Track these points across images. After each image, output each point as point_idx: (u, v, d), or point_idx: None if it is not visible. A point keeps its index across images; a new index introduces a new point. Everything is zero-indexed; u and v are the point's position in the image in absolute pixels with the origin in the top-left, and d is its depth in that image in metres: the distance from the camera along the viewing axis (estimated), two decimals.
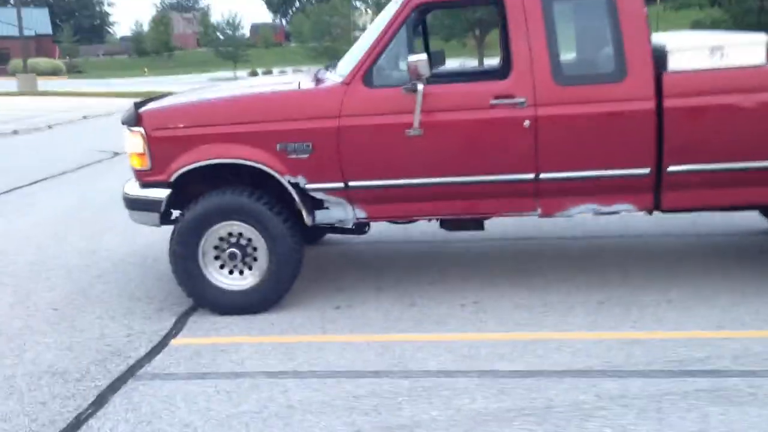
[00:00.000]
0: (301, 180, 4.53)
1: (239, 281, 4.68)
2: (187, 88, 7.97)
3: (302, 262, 4.76)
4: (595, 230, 6.09)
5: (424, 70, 4.26)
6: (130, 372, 3.92)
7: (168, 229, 4.81)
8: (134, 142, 4.67)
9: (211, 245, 4.65)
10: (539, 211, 4.56)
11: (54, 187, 9.50)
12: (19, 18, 36.79)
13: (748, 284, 4.71)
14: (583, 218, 5.77)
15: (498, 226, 5.88)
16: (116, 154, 11.74)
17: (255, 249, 4.62)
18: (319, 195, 4.59)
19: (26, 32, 39.41)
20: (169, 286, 4.98)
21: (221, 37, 54.04)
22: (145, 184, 4.73)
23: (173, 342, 4.31)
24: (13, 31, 38.96)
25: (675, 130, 4.30)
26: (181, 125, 4.62)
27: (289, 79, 5.81)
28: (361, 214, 4.64)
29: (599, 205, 4.52)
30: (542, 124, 4.35)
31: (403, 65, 4.44)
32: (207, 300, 4.70)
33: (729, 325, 4.14)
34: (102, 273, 5.68)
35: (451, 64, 6.26)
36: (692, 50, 4.37)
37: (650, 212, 4.62)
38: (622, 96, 4.33)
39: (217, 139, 4.59)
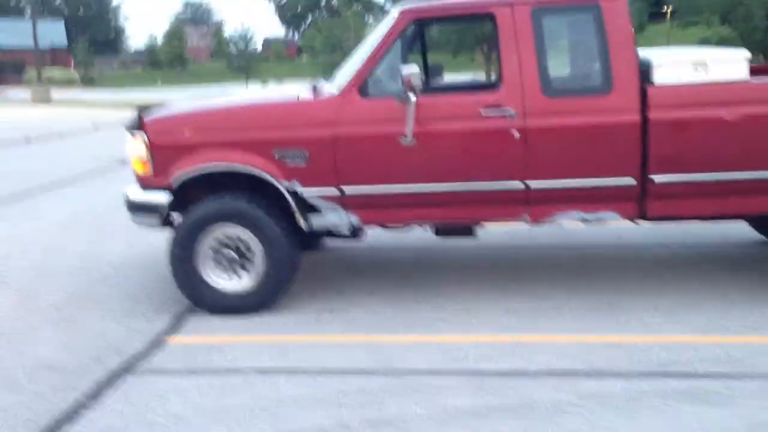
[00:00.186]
0: (297, 186, 4.67)
1: (236, 283, 4.81)
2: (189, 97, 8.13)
3: (299, 266, 4.90)
4: (589, 241, 6.18)
5: (417, 82, 4.41)
6: (127, 368, 4.05)
7: (169, 233, 4.95)
8: (137, 147, 4.83)
9: (210, 248, 4.78)
10: (528, 218, 4.68)
11: (60, 193, 9.69)
12: (35, 29, 37.36)
13: (736, 292, 4.80)
14: (576, 229, 5.86)
15: (493, 235, 5.99)
16: (124, 162, 11.93)
17: (252, 252, 4.76)
18: (314, 201, 4.72)
19: (42, 44, 39.96)
20: (169, 288, 5.11)
21: (234, 50, 54.59)
22: (146, 188, 4.89)
23: (170, 340, 4.44)
24: (30, 43, 39.50)
25: (659, 141, 4.41)
26: (183, 132, 4.78)
27: (289, 90, 5.97)
28: (356, 219, 4.76)
29: (586, 212, 4.63)
30: (531, 134, 4.49)
31: (397, 77, 4.58)
32: (204, 301, 4.83)
33: (712, 331, 4.22)
34: (104, 275, 5.82)
35: (462, 78, 6.44)
36: (676, 65, 4.51)
37: (636, 220, 4.73)
38: (607, 108, 4.46)
39: (217, 146, 4.74)
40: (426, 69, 5.89)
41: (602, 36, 4.49)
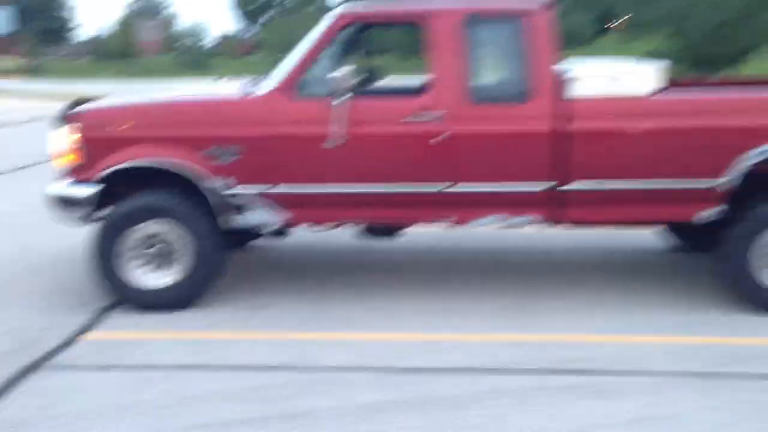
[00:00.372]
0: (223, 184, 4.75)
1: (161, 279, 4.86)
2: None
3: (224, 262, 4.98)
4: (505, 245, 6.37)
5: (347, 84, 4.54)
6: (39, 362, 4.08)
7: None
8: (69, 139, 4.85)
9: (135, 243, 4.83)
10: (452, 220, 4.85)
11: None
12: None
13: (638, 295, 5.05)
14: (496, 232, 6.06)
15: (419, 237, 6.15)
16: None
17: (177, 248, 4.82)
18: (242, 200, 4.81)
19: None
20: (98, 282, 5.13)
21: (184, 45, 53.85)
22: (74, 182, 4.90)
23: (88, 335, 4.48)
24: None
25: (575, 150, 4.64)
26: (116, 126, 4.83)
27: (225, 86, 6.04)
28: (283, 218, 4.87)
29: (507, 216, 4.83)
30: (456, 138, 4.67)
31: (329, 78, 4.69)
32: (129, 296, 4.87)
33: (613, 331, 4.46)
34: (33, 268, 5.80)
35: (406, 81, 6.61)
36: (593, 78, 4.74)
37: (554, 225, 4.94)
38: (524, 117, 4.67)
39: (147, 141, 4.80)
40: (368, 72, 5.99)
41: (524, 48, 4.70)
